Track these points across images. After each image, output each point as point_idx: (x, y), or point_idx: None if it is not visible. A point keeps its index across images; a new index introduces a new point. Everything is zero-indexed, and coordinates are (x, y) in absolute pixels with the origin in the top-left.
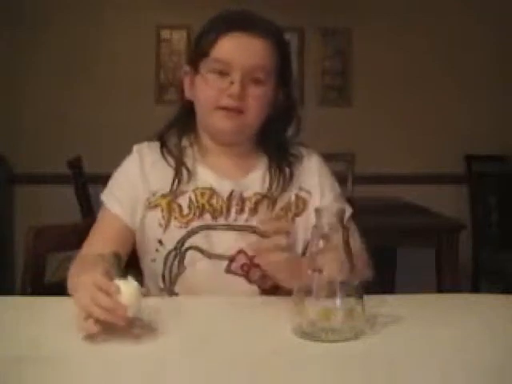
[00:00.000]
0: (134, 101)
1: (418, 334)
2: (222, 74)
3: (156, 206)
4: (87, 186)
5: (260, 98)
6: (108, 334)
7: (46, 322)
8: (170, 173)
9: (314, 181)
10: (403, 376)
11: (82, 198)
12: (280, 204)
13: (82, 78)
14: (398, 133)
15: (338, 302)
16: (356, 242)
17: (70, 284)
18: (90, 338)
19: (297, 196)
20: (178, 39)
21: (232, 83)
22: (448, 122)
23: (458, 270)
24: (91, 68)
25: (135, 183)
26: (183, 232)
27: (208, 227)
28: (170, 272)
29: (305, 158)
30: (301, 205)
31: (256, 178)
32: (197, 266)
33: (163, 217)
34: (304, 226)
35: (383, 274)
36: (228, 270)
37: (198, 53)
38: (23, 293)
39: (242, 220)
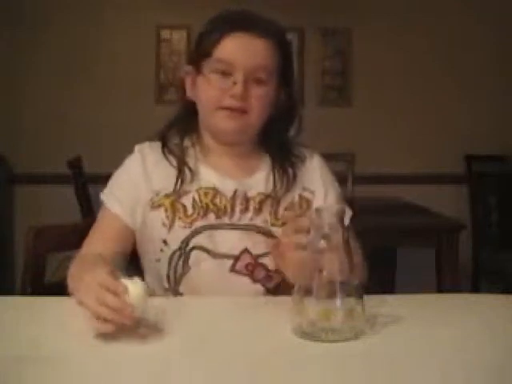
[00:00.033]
0: (134, 101)
1: (418, 334)
2: (225, 74)
3: (159, 205)
4: (87, 186)
5: (262, 98)
6: (114, 334)
7: (45, 322)
8: (172, 173)
9: (317, 181)
10: (403, 376)
11: (82, 197)
12: (283, 204)
13: (82, 78)
14: (398, 133)
15: (338, 302)
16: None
17: (71, 283)
18: (102, 337)
19: (300, 196)
20: (178, 39)
21: (235, 83)
22: (448, 122)
23: (458, 270)
24: (91, 68)
25: (137, 183)
26: (187, 232)
27: (212, 227)
28: (175, 272)
29: (307, 158)
30: (304, 205)
31: (260, 179)
32: (201, 266)
33: (167, 217)
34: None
35: (383, 274)
36: (232, 270)
37: (199, 53)
38: (23, 293)
39: (246, 219)
